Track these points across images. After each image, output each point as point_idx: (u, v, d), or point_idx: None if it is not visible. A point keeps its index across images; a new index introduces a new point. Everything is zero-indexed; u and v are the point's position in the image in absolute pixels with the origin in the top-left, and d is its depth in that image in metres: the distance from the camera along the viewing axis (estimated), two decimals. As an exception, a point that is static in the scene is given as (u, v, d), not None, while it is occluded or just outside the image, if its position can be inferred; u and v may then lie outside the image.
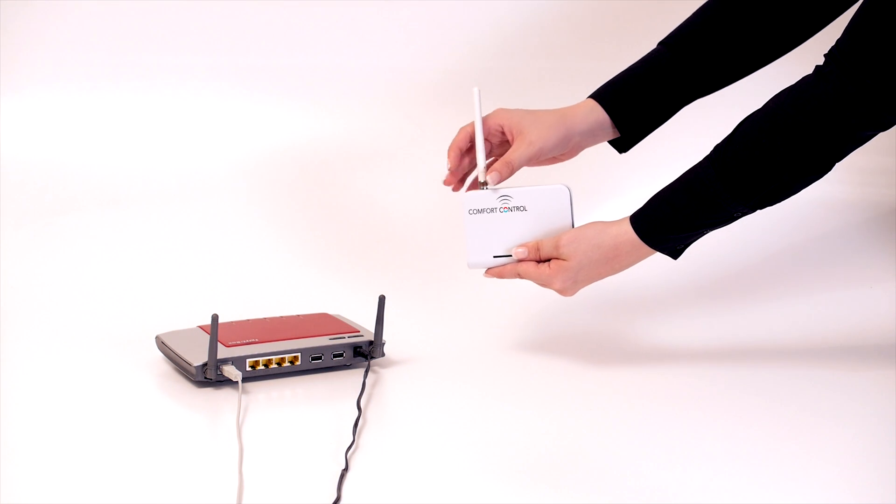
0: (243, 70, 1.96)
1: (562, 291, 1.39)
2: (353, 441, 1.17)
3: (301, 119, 1.96)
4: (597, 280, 1.38)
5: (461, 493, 1.09)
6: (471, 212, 1.39)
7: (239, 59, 1.96)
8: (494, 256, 1.40)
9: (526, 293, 1.65)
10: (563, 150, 1.41)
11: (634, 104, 1.42)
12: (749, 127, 1.31)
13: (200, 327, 1.38)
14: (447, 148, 1.42)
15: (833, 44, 1.28)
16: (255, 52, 1.95)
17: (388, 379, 1.36)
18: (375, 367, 1.38)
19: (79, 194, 1.86)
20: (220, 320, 1.30)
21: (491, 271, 1.41)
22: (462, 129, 1.43)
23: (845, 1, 1.41)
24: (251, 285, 1.67)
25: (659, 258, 1.38)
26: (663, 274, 1.71)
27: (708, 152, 1.33)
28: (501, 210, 1.39)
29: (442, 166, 1.42)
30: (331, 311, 1.46)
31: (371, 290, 1.42)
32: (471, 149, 1.41)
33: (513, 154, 1.39)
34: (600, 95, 1.43)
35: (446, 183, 1.43)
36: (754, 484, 1.12)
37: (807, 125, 1.27)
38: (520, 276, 1.39)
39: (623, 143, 1.44)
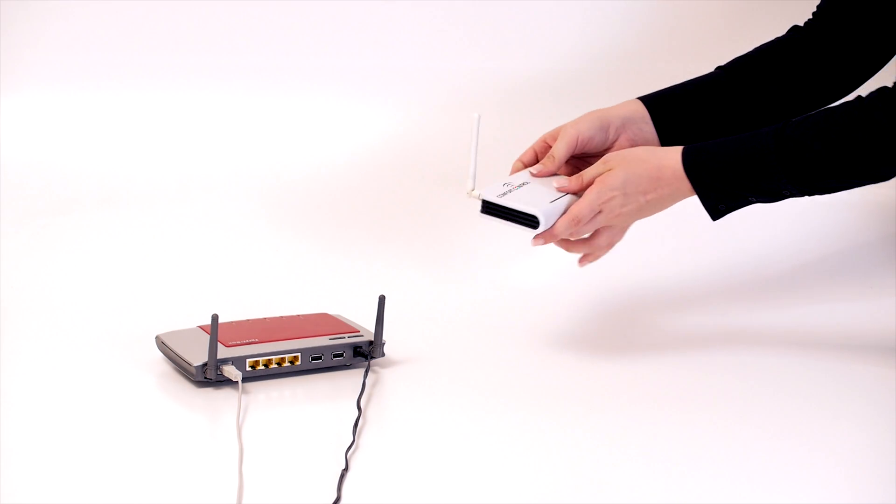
0: (243, 70, 1.96)
1: (611, 205, 1.33)
2: (353, 441, 1.17)
3: (301, 119, 1.96)
4: (643, 207, 1.34)
5: (461, 493, 1.09)
6: (498, 196, 1.34)
7: (239, 58, 1.96)
8: (550, 202, 1.35)
9: (526, 293, 1.65)
10: (603, 139, 1.41)
11: (676, 114, 1.44)
12: (825, 114, 1.30)
13: (200, 327, 1.38)
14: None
15: None
16: (255, 52, 1.95)
17: (388, 379, 1.36)
18: (375, 367, 1.38)
19: (79, 194, 1.86)
20: (220, 320, 1.30)
21: (545, 236, 1.35)
22: (533, 145, 1.43)
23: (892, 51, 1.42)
24: (251, 285, 1.67)
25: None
26: (663, 274, 1.71)
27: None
28: (518, 187, 1.37)
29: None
30: (331, 311, 1.46)
31: (371, 290, 1.42)
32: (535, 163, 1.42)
33: (553, 149, 1.39)
34: (644, 97, 1.45)
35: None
36: (754, 483, 1.12)
37: (881, 131, 1.26)
38: (575, 218, 1.34)
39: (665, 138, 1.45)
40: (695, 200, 1.35)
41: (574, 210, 1.34)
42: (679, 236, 1.75)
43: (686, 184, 1.32)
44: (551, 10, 1.94)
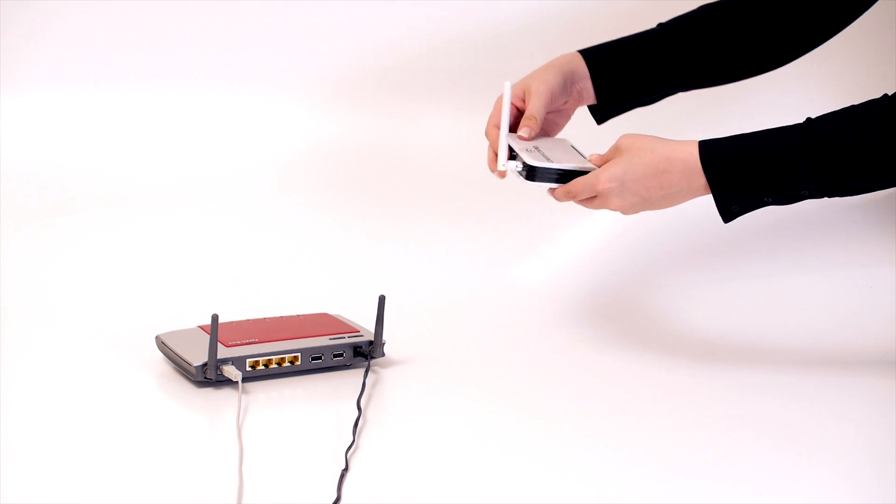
0: (243, 70, 1.96)
1: (607, 195, 1.30)
2: (353, 441, 1.17)
3: (301, 119, 1.96)
4: (646, 201, 1.30)
5: (461, 494, 1.09)
6: (538, 161, 1.32)
7: (239, 58, 1.95)
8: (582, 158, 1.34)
9: (526, 292, 1.65)
10: (566, 94, 1.40)
11: (618, 69, 1.41)
12: (852, 111, 1.28)
13: (200, 327, 1.38)
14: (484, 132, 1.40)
15: None
16: (255, 52, 1.95)
17: (388, 379, 1.36)
18: (375, 367, 1.38)
19: (79, 194, 1.86)
20: (220, 320, 1.30)
21: (560, 191, 1.33)
22: (491, 117, 1.40)
23: (844, 20, 1.41)
24: (251, 285, 1.67)
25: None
26: (663, 277, 1.71)
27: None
28: (535, 150, 1.34)
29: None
30: (331, 311, 1.46)
31: (371, 290, 1.42)
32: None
33: (530, 109, 1.36)
34: (584, 51, 1.43)
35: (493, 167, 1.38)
36: (755, 483, 1.12)
37: None
38: (570, 192, 1.32)
39: (600, 110, 1.44)
40: (701, 203, 1.34)
41: (572, 185, 1.32)
42: (680, 236, 1.75)
43: (699, 179, 1.29)
44: (551, 9, 1.94)
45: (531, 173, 1.32)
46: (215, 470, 1.11)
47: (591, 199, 1.32)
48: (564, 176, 1.32)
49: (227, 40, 1.94)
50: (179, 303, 1.59)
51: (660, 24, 1.45)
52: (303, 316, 1.44)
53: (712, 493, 1.10)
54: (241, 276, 1.70)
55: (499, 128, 1.36)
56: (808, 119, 1.29)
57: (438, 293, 1.65)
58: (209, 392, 1.30)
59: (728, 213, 1.30)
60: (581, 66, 1.42)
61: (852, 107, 1.28)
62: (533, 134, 1.36)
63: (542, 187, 1.34)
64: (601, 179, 1.30)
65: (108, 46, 1.93)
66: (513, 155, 1.34)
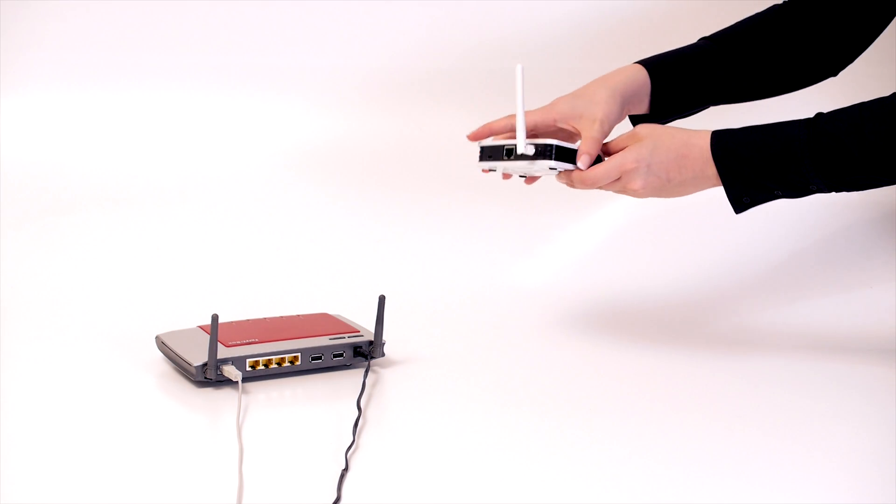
0: (243, 70, 1.96)
1: (633, 174, 1.31)
2: (353, 441, 1.17)
3: (301, 119, 1.96)
4: (664, 187, 1.31)
5: (461, 494, 1.09)
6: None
7: (239, 58, 1.96)
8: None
9: (526, 292, 1.65)
10: (621, 117, 1.40)
11: (675, 81, 1.42)
12: (858, 108, 1.28)
13: (200, 327, 1.38)
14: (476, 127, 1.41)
15: None
16: (255, 52, 1.95)
17: (388, 379, 1.36)
18: (375, 367, 1.38)
19: (79, 194, 1.86)
20: (220, 320, 1.30)
21: (579, 176, 1.33)
22: (504, 118, 1.39)
23: (881, 24, 1.42)
24: (251, 285, 1.67)
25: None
26: (664, 276, 1.71)
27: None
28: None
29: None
30: (331, 311, 1.46)
31: (371, 290, 1.42)
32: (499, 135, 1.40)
33: (589, 135, 1.35)
34: (648, 63, 1.43)
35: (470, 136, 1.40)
36: (754, 484, 1.12)
37: None
38: (591, 179, 1.32)
39: (640, 119, 1.44)
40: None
41: (592, 172, 1.32)
42: (681, 236, 1.75)
43: (711, 167, 1.30)
44: (552, 9, 1.94)
45: (558, 151, 1.32)
46: (215, 470, 1.11)
47: (614, 182, 1.33)
48: (563, 153, 1.32)
49: (227, 40, 1.95)
50: (179, 303, 1.59)
51: (704, 39, 1.46)
52: (303, 316, 1.44)
53: (714, 490, 1.10)
54: (241, 276, 1.70)
55: (491, 132, 1.39)
56: (818, 114, 1.29)
57: (438, 293, 1.65)
58: (209, 392, 1.30)
59: (739, 203, 1.32)
60: (644, 86, 1.42)
61: (861, 104, 1.29)
62: (589, 163, 1.34)
63: (543, 168, 1.33)
64: (628, 159, 1.31)
65: (107, 46, 1.93)
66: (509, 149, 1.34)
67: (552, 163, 1.32)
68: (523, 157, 1.33)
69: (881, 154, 1.26)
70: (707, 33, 1.48)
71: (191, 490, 1.08)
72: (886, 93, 1.30)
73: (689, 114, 1.47)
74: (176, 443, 1.19)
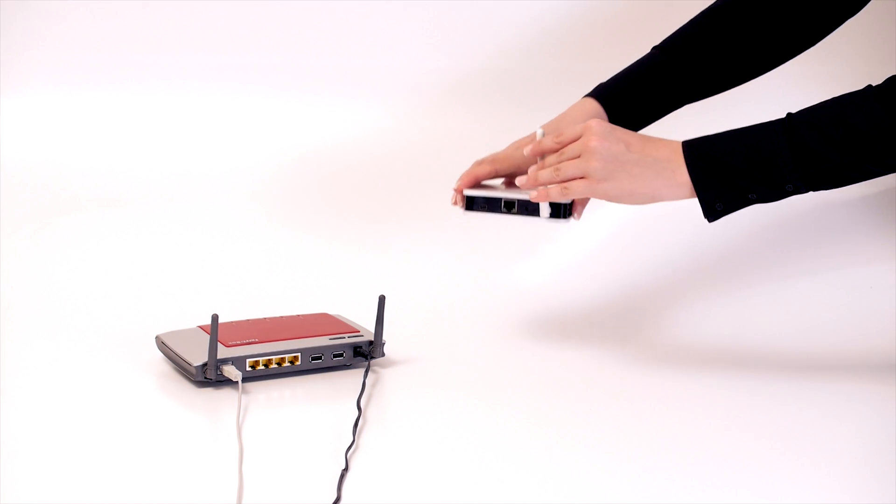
0: (243, 70, 1.96)
1: (592, 131, 1.29)
2: (353, 441, 1.17)
3: (301, 119, 1.96)
4: (624, 153, 1.28)
5: (461, 493, 1.09)
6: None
7: (239, 58, 1.96)
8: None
9: (526, 292, 1.65)
10: None
11: (629, 102, 1.43)
12: (833, 103, 1.27)
13: (200, 327, 1.38)
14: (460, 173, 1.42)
15: None
16: (255, 52, 1.95)
17: (388, 379, 1.36)
18: (375, 367, 1.38)
19: (79, 194, 1.86)
20: (220, 320, 1.30)
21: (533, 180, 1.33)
22: (487, 163, 1.41)
23: (838, 17, 1.41)
24: (251, 285, 1.67)
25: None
26: (663, 279, 1.71)
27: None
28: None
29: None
30: (331, 311, 1.46)
31: (371, 290, 1.42)
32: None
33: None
34: (596, 93, 1.44)
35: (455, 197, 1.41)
36: (754, 485, 1.12)
37: (893, 114, 1.23)
38: (558, 132, 1.33)
39: None
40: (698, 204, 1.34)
41: (559, 125, 1.35)
42: (678, 237, 1.75)
43: (682, 174, 1.27)
44: (551, 9, 1.94)
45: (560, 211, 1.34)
46: (215, 470, 1.11)
47: (574, 141, 1.31)
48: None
49: (227, 40, 1.95)
50: (179, 303, 1.59)
51: (655, 48, 1.46)
52: (303, 316, 1.44)
53: (711, 495, 1.10)
54: (241, 276, 1.70)
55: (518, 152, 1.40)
56: (789, 113, 1.28)
57: (438, 293, 1.65)
58: (209, 392, 1.30)
59: (712, 210, 1.29)
60: (602, 116, 1.42)
61: (834, 98, 1.28)
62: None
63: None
64: (592, 120, 1.31)
65: (108, 47, 1.93)
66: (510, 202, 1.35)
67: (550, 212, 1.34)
68: (524, 210, 1.34)
69: (864, 138, 1.23)
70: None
71: (191, 490, 1.08)
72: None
73: (656, 120, 1.47)
74: (176, 443, 1.19)
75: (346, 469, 1.11)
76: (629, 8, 1.93)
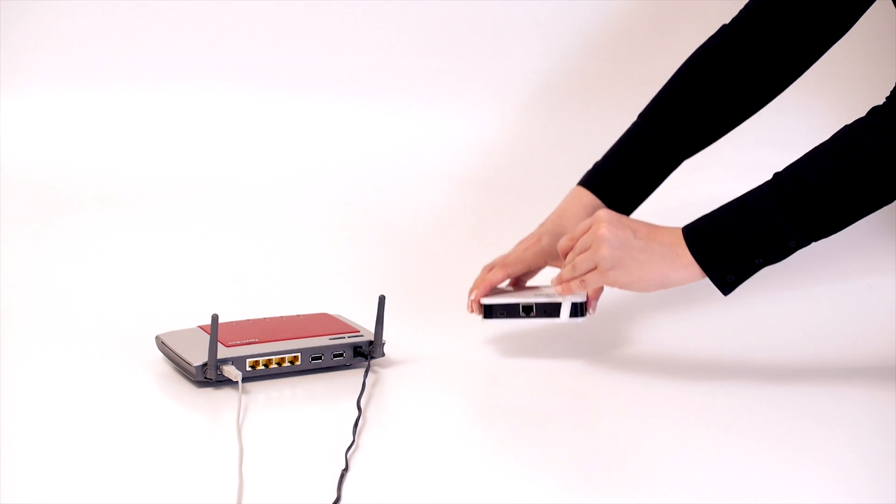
0: (243, 70, 1.96)
1: (601, 220, 1.33)
2: (353, 441, 1.17)
3: (301, 119, 1.96)
4: (629, 240, 1.31)
5: (461, 493, 1.09)
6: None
7: (239, 58, 1.96)
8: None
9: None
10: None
11: (623, 183, 1.46)
12: (814, 153, 1.28)
13: (200, 327, 1.38)
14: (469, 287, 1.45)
15: (894, 85, 1.27)
16: (255, 52, 1.95)
17: (388, 379, 1.36)
18: (375, 367, 1.38)
19: (79, 194, 1.86)
20: (220, 320, 1.30)
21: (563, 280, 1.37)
22: (498, 269, 1.44)
23: (816, 50, 1.42)
24: (251, 285, 1.67)
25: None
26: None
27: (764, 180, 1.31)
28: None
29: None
30: (331, 311, 1.46)
31: (371, 290, 1.42)
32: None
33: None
34: (588, 182, 1.47)
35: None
36: (754, 485, 1.12)
37: (875, 152, 1.24)
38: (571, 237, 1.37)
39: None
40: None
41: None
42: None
43: (685, 255, 1.30)
44: (552, 9, 1.94)
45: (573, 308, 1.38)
46: (215, 470, 1.11)
47: (585, 235, 1.34)
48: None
49: (227, 40, 1.95)
50: (179, 303, 1.59)
51: (641, 116, 1.48)
52: (303, 316, 1.44)
53: (711, 496, 1.10)
54: (241, 276, 1.70)
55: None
56: (775, 173, 1.30)
57: (438, 293, 1.65)
58: (209, 392, 1.30)
59: (725, 283, 1.31)
60: (593, 207, 1.46)
61: (814, 147, 1.29)
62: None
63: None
64: (598, 211, 1.35)
65: (108, 47, 1.93)
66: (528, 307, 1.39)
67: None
68: (542, 313, 1.38)
69: (845, 180, 1.25)
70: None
71: (191, 490, 1.08)
72: (885, 92, 1.30)
73: (655, 188, 1.50)
74: (176, 443, 1.19)
75: (346, 469, 1.11)
76: (629, 7, 1.93)
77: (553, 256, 1.45)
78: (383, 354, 1.38)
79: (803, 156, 1.29)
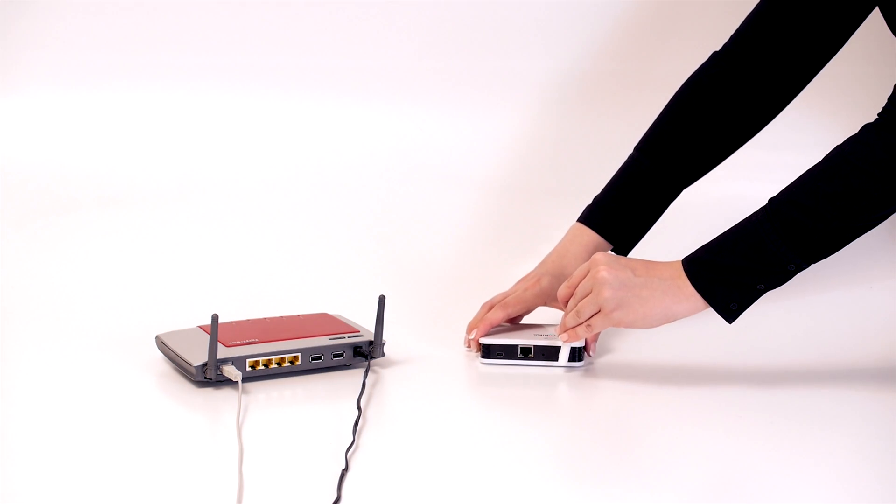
0: (243, 70, 1.96)
1: (600, 263, 1.32)
2: (353, 441, 1.17)
3: (301, 119, 1.96)
4: (630, 279, 1.31)
5: (461, 493, 1.09)
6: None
7: (239, 58, 1.96)
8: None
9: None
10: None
11: (623, 219, 1.46)
12: (807, 175, 1.28)
13: (200, 327, 1.38)
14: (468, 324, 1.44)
15: (886, 101, 1.27)
16: (255, 53, 1.95)
17: (388, 379, 1.36)
18: (375, 367, 1.38)
19: (79, 194, 1.86)
20: (220, 320, 1.30)
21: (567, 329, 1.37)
22: (498, 308, 1.44)
23: (809, 73, 1.42)
24: (251, 285, 1.67)
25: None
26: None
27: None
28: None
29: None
30: (331, 311, 1.46)
31: (371, 290, 1.42)
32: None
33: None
34: (589, 219, 1.47)
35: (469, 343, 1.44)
36: (754, 487, 1.12)
37: (867, 171, 1.25)
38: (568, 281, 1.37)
39: (620, 251, 1.47)
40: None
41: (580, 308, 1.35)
42: (680, 236, 1.75)
43: (686, 286, 1.30)
44: (551, 9, 1.94)
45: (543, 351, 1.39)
46: (215, 470, 1.11)
47: (585, 281, 1.34)
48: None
49: (228, 40, 1.95)
50: (179, 303, 1.59)
51: (637, 149, 1.48)
52: (303, 316, 1.44)
53: (710, 496, 1.10)
54: (241, 276, 1.70)
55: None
56: (770, 199, 1.30)
57: (438, 293, 1.65)
58: (209, 392, 1.30)
59: (728, 311, 1.31)
60: (601, 244, 1.46)
61: (807, 170, 1.29)
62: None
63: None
64: (595, 255, 1.34)
65: (108, 47, 1.93)
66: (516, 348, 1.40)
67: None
68: (541, 355, 1.38)
69: (839, 198, 1.25)
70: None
71: (191, 490, 1.08)
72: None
73: (655, 221, 1.50)
74: (176, 443, 1.19)
75: (346, 469, 1.11)
76: (629, 7, 1.93)
77: (552, 297, 1.44)
78: (383, 354, 1.38)
79: (796, 179, 1.29)
